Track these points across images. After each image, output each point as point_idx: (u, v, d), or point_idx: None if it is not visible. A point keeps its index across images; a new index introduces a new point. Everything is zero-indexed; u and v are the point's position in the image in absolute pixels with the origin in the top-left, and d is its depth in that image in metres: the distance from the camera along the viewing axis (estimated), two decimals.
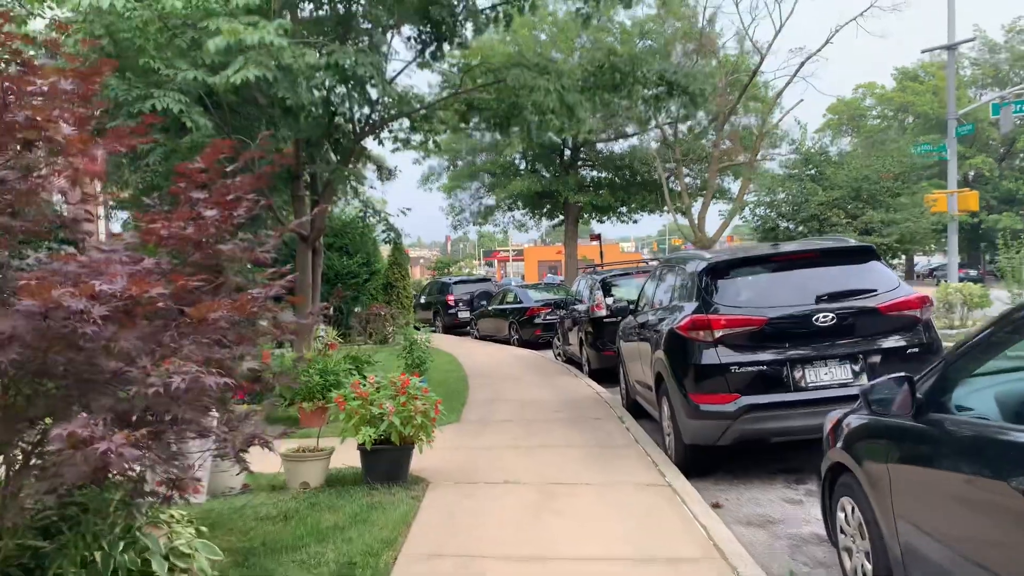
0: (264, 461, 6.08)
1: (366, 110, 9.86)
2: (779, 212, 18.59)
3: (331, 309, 19.24)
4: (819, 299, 5.98)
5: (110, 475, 3.15)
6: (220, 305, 3.21)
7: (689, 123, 29.23)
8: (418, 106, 10.13)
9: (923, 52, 41.53)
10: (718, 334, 6.01)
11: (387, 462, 5.66)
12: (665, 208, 30.72)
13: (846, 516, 3.91)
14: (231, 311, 3.35)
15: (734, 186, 30.97)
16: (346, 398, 5.66)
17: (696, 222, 25.01)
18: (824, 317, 5.89)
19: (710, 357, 6.01)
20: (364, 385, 5.73)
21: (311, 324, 9.88)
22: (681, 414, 6.23)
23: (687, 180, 28.76)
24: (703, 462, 6.44)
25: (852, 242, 7.00)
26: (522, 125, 10.37)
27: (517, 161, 32.42)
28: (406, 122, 11.35)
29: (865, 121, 57.39)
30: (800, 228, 18.01)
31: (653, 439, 7.61)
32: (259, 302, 3.54)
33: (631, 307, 9.19)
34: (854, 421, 3.90)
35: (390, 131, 10.65)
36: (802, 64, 24.50)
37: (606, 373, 12.25)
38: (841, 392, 5.83)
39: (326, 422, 8.26)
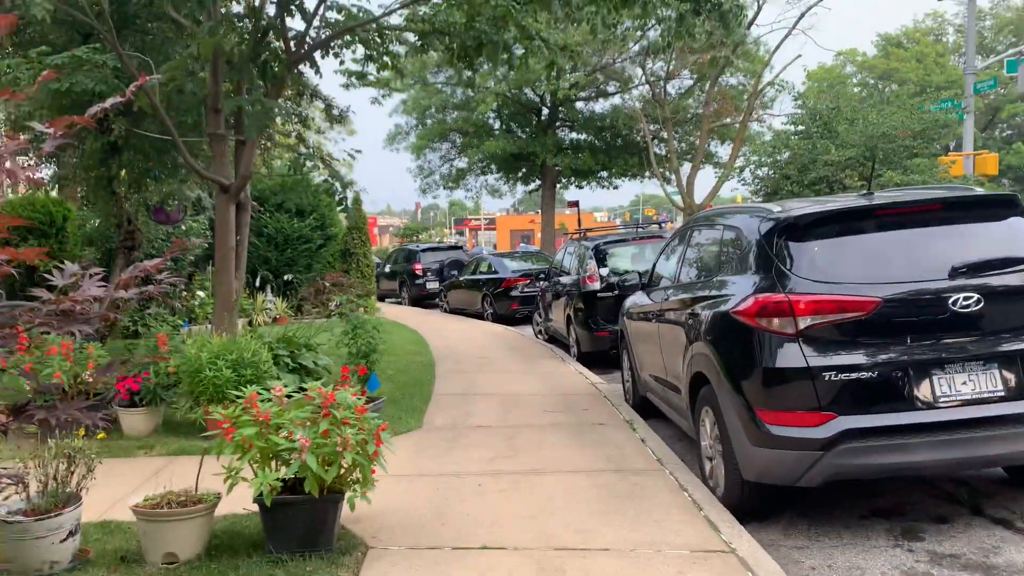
0: (116, 505, 3.94)
1: (298, 22, 7.66)
2: (784, 173, 16.72)
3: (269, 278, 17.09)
4: (955, 272, 4.03)
5: None
6: None
7: (674, 80, 27.22)
8: (366, 19, 7.90)
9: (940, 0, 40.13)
10: (803, 322, 4.04)
11: (300, 522, 3.63)
12: (648, 172, 28.75)
13: None
14: None
15: (721, 150, 29.10)
16: (235, 421, 3.60)
17: (684, 187, 23.05)
18: (965, 299, 3.94)
19: (790, 356, 4.04)
20: (265, 400, 3.68)
21: (231, 299, 7.76)
22: (740, 437, 4.28)
23: (668, 146, 26.77)
24: (766, 502, 4.53)
25: (981, 191, 5.06)
26: (497, 54, 8.22)
27: (491, 120, 30.19)
28: (360, 51, 9.15)
29: (845, 88, 55.77)
30: (806, 192, 16.17)
31: (675, 452, 5.72)
32: None
33: (642, 280, 7.21)
34: None
35: (337, 56, 8.45)
36: (802, 16, 22.46)
37: (599, 357, 10.35)
38: (989, 411, 3.92)
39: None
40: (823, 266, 4.22)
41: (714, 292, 4.90)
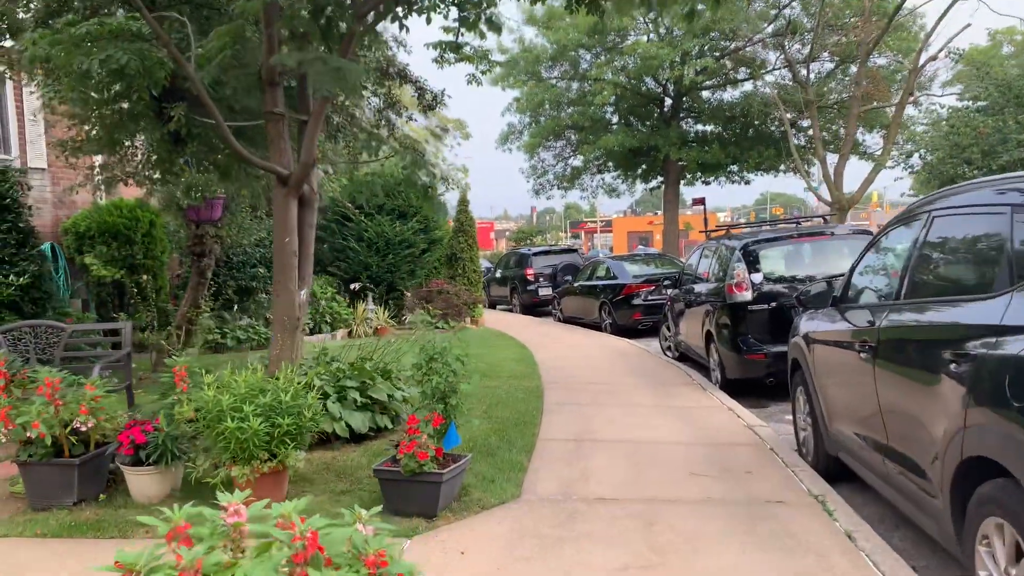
0: None
1: None
2: (964, 158, 13.89)
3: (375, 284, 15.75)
4: None
5: None
6: None
7: (813, 64, 24.22)
8: None
9: None
10: None
11: None
12: (785, 165, 25.90)
13: None
14: None
15: (868, 139, 25.78)
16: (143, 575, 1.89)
17: (832, 178, 20.19)
18: None
19: None
20: (197, 547, 1.95)
21: (293, 316, 6.24)
22: None
23: (813, 132, 23.80)
24: None
25: None
26: None
27: (608, 115, 28.19)
28: (453, 14, 7.50)
29: (1004, 72, 49.89)
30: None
31: (895, 550, 3.67)
32: None
33: (833, 293, 5.15)
34: None
35: (421, 14, 6.82)
36: None
37: (749, 385, 8.29)
38: None
39: (283, 499, 4.60)
40: None
41: (1016, 322, 2.83)
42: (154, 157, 8.69)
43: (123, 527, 4.24)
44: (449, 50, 8.02)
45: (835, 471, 5.17)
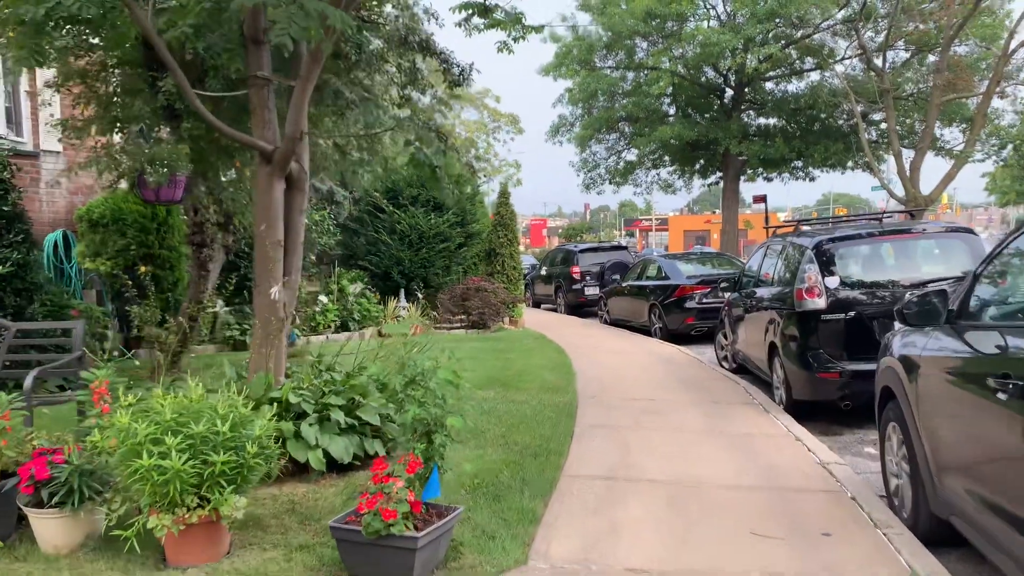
0: None
1: None
2: None
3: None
4: None
5: None
6: None
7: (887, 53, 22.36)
8: None
9: None
10: None
11: None
12: (854, 160, 24.13)
13: None
14: None
15: (946, 133, 23.80)
16: None
17: (908, 174, 18.52)
18: None
19: None
20: None
21: (278, 317, 5.26)
22: None
23: (886, 125, 21.99)
24: None
25: None
26: None
27: (665, 107, 26.76)
28: None
29: None
30: None
31: None
32: None
33: (948, 306, 3.91)
34: None
35: None
36: None
37: (818, 409, 7.06)
38: None
39: (224, 553, 3.65)
40: None
41: None
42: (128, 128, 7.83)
43: None
44: (477, 14, 6.95)
45: (940, 534, 3.96)
